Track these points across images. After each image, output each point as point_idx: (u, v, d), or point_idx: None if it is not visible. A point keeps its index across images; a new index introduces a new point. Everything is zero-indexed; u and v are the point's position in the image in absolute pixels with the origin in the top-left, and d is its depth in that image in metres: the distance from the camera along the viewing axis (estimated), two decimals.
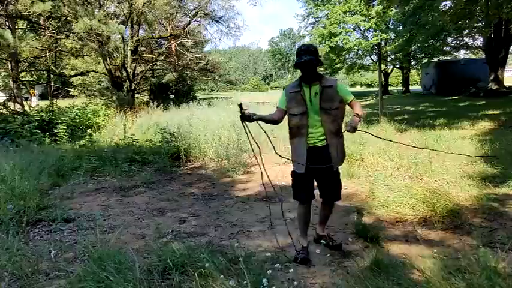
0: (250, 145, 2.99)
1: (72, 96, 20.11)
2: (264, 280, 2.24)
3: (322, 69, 30.23)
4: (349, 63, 30.89)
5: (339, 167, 2.88)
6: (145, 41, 20.89)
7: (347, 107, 2.86)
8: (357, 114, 2.68)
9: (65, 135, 8.30)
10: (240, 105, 2.77)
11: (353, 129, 2.61)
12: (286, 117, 2.91)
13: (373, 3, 20.27)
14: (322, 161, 2.76)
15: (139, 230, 3.59)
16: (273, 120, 2.87)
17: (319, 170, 2.80)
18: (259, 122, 2.87)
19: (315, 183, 2.93)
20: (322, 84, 2.72)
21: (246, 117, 2.77)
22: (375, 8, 22.86)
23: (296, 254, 2.84)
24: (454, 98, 20.18)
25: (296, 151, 2.84)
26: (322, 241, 2.99)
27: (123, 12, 16.56)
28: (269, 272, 2.41)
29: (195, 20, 21.83)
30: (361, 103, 22.09)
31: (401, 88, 34.84)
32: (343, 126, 2.82)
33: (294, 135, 2.83)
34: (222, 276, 2.31)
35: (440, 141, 6.71)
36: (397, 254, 2.84)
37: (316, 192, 2.94)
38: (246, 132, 2.91)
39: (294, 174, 2.89)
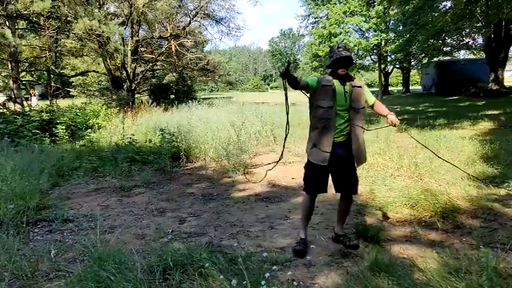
0: (286, 106, 2.85)
1: (72, 96, 20.09)
2: (263, 281, 2.24)
3: (322, 69, 30.28)
4: None
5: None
6: (145, 41, 20.88)
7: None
8: (389, 113, 2.88)
9: (65, 135, 8.29)
10: (289, 62, 2.65)
11: (396, 121, 2.80)
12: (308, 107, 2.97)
13: (373, 4, 20.29)
14: (344, 154, 2.84)
15: (140, 230, 3.59)
16: (296, 83, 2.74)
17: (340, 163, 2.84)
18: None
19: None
20: (353, 84, 2.86)
21: (286, 74, 2.58)
22: (374, 8, 22.87)
23: (293, 246, 2.92)
24: (454, 98, 20.20)
25: (320, 143, 2.82)
26: (341, 239, 3.02)
27: (123, 13, 16.55)
28: (269, 272, 2.41)
29: (195, 20, 21.85)
30: None
31: (402, 88, 34.88)
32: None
33: (317, 127, 2.83)
34: (222, 276, 2.31)
35: (441, 142, 6.71)
36: (397, 254, 2.83)
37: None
38: (285, 95, 2.77)
39: (310, 165, 2.89)
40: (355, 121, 2.84)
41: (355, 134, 2.84)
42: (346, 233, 3.12)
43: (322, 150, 2.80)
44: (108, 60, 16.35)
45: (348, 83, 2.84)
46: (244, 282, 2.19)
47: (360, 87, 2.88)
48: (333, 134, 2.80)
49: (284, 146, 3.07)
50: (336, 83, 2.83)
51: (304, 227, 3.03)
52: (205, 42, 26.26)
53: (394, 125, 2.83)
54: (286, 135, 3.02)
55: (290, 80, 2.63)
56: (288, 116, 2.89)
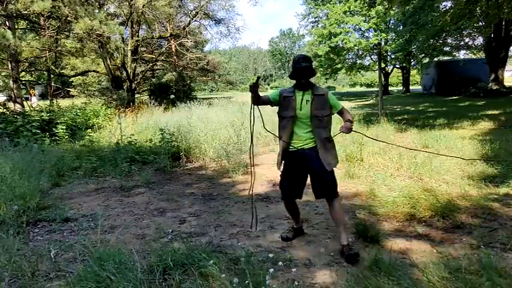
0: (251, 123, 3.00)
1: (72, 96, 20.08)
2: (263, 281, 2.24)
3: (322, 69, 30.29)
4: (349, 63, 30.90)
5: (334, 168, 2.96)
6: (145, 41, 20.90)
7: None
8: (349, 120, 2.88)
9: (65, 135, 8.29)
10: (258, 78, 2.86)
11: (348, 130, 2.81)
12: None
13: (373, 3, 20.25)
14: (311, 162, 2.89)
15: (140, 230, 3.59)
16: (258, 100, 2.92)
17: (309, 170, 2.94)
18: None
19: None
20: (314, 92, 2.91)
21: (254, 88, 2.79)
22: (375, 8, 22.81)
23: (282, 233, 3.23)
24: (454, 98, 20.20)
25: (283, 152, 3.02)
26: (343, 249, 2.85)
27: (123, 13, 16.57)
28: (269, 272, 2.41)
29: (195, 20, 21.86)
30: (361, 103, 22.10)
31: (402, 88, 34.87)
32: (331, 132, 3.02)
33: (282, 136, 3.01)
34: (222, 276, 2.31)
35: (441, 142, 6.71)
36: (397, 253, 2.83)
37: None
38: (251, 111, 2.93)
39: (281, 173, 3.10)
40: (320, 129, 2.88)
41: (320, 140, 2.88)
42: (349, 242, 2.90)
43: (283, 158, 3.00)
44: (108, 60, 16.36)
45: (309, 92, 2.90)
46: (246, 282, 2.19)
47: (323, 95, 2.92)
48: (292, 143, 2.92)
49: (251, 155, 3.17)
50: (298, 93, 2.93)
51: (294, 220, 3.29)
52: (205, 42, 26.32)
53: (345, 132, 2.83)
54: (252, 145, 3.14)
55: (256, 96, 2.83)
56: (252, 129, 3.01)
